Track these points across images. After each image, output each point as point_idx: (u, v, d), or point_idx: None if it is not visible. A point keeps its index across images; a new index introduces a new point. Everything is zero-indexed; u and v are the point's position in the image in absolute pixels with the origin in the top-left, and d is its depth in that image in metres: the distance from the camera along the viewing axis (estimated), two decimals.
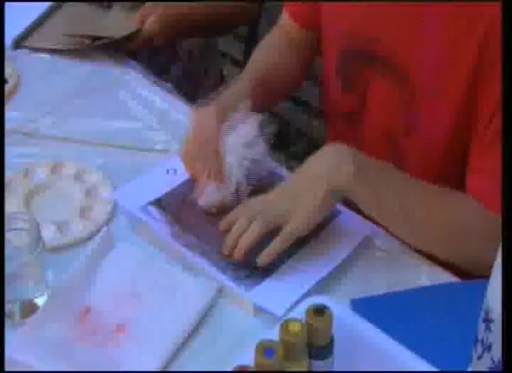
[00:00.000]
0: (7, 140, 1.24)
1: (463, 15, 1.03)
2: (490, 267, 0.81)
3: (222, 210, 1.10)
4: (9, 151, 1.23)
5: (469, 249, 1.03)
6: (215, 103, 1.14)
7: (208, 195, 1.10)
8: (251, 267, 1.04)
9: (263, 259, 1.03)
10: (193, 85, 1.75)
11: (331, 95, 1.30)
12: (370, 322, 0.95)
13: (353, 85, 1.23)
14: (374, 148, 1.08)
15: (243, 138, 1.11)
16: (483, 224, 0.94)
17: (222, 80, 1.89)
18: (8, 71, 1.39)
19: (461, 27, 1.04)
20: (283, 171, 1.21)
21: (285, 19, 1.37)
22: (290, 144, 2.03)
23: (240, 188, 1.11)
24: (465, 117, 1.08)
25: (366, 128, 1.24)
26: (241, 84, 1.23)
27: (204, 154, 1.11)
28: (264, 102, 1.22)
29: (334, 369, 0.90)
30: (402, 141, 1.18)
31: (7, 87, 1.37)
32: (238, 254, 1.04)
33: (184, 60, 1.75)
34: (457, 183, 1.09)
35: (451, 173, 1.13)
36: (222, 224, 1.09)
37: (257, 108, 1.16)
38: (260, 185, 1.13)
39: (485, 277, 0.84)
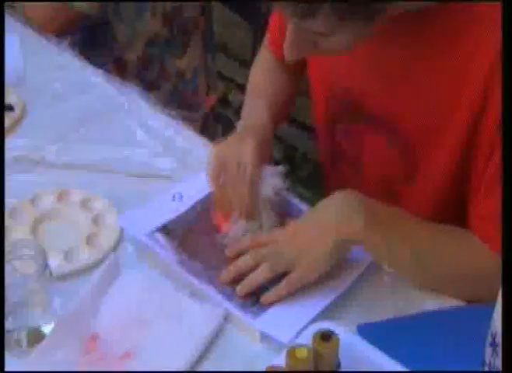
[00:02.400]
0: (14, 168, 1.26)
1: (455, 70, 1.04)
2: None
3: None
4: (16, 178, 1.25)
5: (481, 289, 1.03)
6: (255, 137, 1.15)
7: (231, 227, 1.11)
8: (255, 298, 1.04)
9: (267, 299, 1.04)
10: (180, 104, 1.79)
11: (329, 141, 1.30)
12: (377, 347, 0.96)
13: (348, 135, 1.23)
14: (374, 196, 1.07)
15: (271, 183, 1.13)
16: (494, 266, 0.94)
17: (222, 101, 1.92)
18: (14, 99, 1.40)
19: (453, 81, 1.04)
20: (293, 199, 1.21)
21: (269, 49, 1.39)
22: (296, 168, 2.04)
23: (267, 225, 1.13)
24: (464, 164, 1.08)
25: (365, 176, 1.24)
26: (264, 116, 1.24)
27: (239, 188, 1.12)
28: (278, 124, 1.25)
29: None
30: (402, 190, 1.18)
31: (13, 115, 1.38)
32: (241, 292, 1.04)
33: (173, 79, 1.79)
34: (457, 224, 1.10)
35: (451, 216, 1.12)
36: (230, 251, 1.10)
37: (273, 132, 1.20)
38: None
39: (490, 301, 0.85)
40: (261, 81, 1.37)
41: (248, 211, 1.11)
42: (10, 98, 1.41)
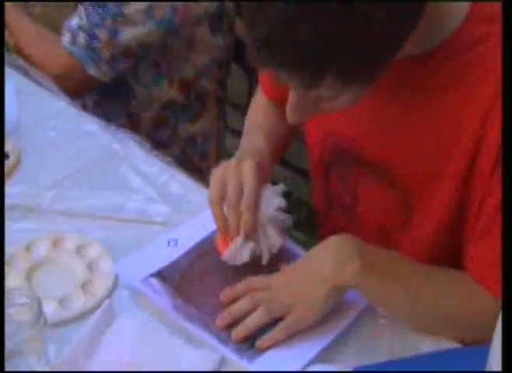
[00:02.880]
0: (8, 215, 1.26)
1: (449, 120, 1.05)
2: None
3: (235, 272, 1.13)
4: (11, 226, 1.24)
5: (477, 332, 1.03)
6: (253, 160, 1.15)
7: (235, 248, 1.11)
8: (250, 342, 1.04)
9: (263, 344, 1.04)
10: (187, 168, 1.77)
11: (323, 187, 1.30)
12: None
13: (343, 182, 1.24)
14: (369, 240, 1.08)
15: (273, 203, 1.13)
16: (490, 308, 0.94)
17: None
18: (9, 147, 1.41)
19: (448, 131, 1.05)
20: (289, 243, 1.22)
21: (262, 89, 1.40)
22: (292, 212, 2.04)
23: (270, 248, 1.13)
24: (458, 210, 1.09)
25: (361, 223, 1.24)
26: (262, 140, 1.26)
27: (238, 206, 1.11)
28: (274, 158, 1.27)
29: None
30: (397, 237, 1.19)
31: (9, 162, 1.38)
32: (237, 337, 1.04)
33: (182, 143, 1.79)
34: (454, 268, 1.10)
35: (448, 261, 1.12)
36: (224, 296, 1.10)
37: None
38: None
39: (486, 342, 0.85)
40: (259, 118, 1.38)
41: (249, 233, 1.10)
42: (5, 146, 1.41)
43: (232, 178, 1.12)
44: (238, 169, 1.13)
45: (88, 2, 1.59)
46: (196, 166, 1.83)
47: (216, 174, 1.15)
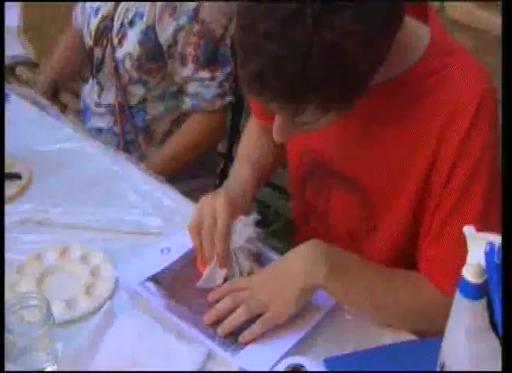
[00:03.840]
0: (21, 229, 1.26)
1: (408, 139, 1.05)
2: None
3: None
4: (23, 237, 1.25)
5: (429, 324, 1.03)
6: (226, 194, 1.14)
7: (210, 273, 1.10)
8: (233, 337, 1.04)
9: (245, 338, 1.03)
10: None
11: (300, 197, 1.30)
12: None
13: (318, 192, 1.23)
14: (339, 246, 1.08)
15: (244, 233, 1.13)
16: (440, 304, 0.92)
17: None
18: (21, 169, 1.40)
19: (407, 149, 1.05)
20: (266, 250, 1.21)
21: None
22: (270, 223, 2.04)
23: (241, 271, 1.12)
24: (415, 218, 1.09)
25: (332, 229, 1.23)
26: (243, 174, 1.24)
27: (213, 240, 1.10)
28: (259, 184, 1.26)
29: None
30: (364, 239, 1.18)
31: (21, 182, 1.38)
32: (221, 333, 1.04)
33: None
34: (412, 269, 1.10)
35: (406, 262, 1.12)
36: (210, 296, 1.10)
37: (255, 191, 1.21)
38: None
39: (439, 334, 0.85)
40: (249, 147, 1.36)
41: (222, 261, 1.10)
42: (18, 167, 1.41)
43: (207, 212, 1.11)
44: (212, 205, 1.12)
45: None
46: (196, 174, 1.79)
47: (197, 207, 1.14)
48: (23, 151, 1.46)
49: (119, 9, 1.60)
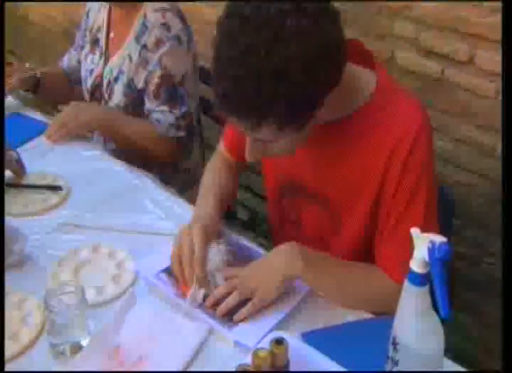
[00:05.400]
0: (61, 230, 1.26)
1: (364, 161, 1.05)
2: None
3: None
4: (62, 237, 1.25)
5: (384, 306, 1.01)
6: (200, 226, 1.10)
7: (193, 294, 1.06)
8: (229, 317, 1.04)
9: (238, 317, 1.03)
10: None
11: (276, 210, 1.28)
12: (315, 348, 0.96)
13: (291, 206, 1.21)
14: (311, 244, 1.08)
15: (217, 258, 1.10)
16: (392, 290, 0.92)
17: None
18: (62, 183, 1.40)
19: (364, 169, 1.05)
20: (254, 246, 1.21)
21: (223, 149, 1.34)
22: (258, 226, 2.04)
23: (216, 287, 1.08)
24: (371, 223, 1.09)
25: (303, 232, 1.22)
26: (209, 206, 1.19)
27: (192, 264, 1.07)
28: (222, 212, 1.22)
29: None
30: (330, 240, 1.17)
31: (62, 193, 1.37)
32: (219, 313, 1.04)
33: (182, 173, 1.72)
34: (370, 262, 1.10)
35: (366, 258, 1.12)
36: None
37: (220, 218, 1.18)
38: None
39: (392, 314, 0.85)
40: (210, 181, 1.29)
41: (201, 282, 1.06)
42: (59, 182, 1.41)
43: (185, 242, 1.08)
44: (189, 234, 1.09)
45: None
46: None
47: (177, 238, 1.11)
48: (64, 169, 1.45)
49: (106, 69, 1.61)
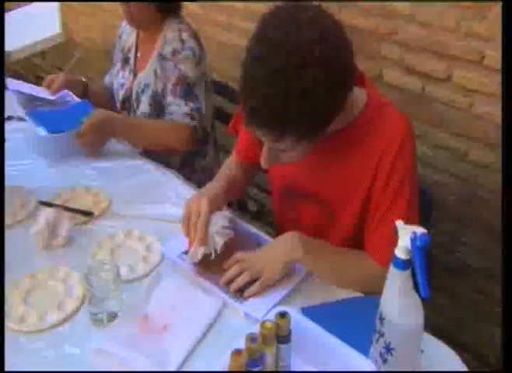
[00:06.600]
0: (102, 218, 1.25)
1: (357, 165, 1.04)
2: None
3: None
4: (104, 223, 1.24)
5: (372, 287, 0.99)
6: (207, 196, 1.10)
7: (193, 252, 1.07)
8: (240, 293, 1.03)
9: (248, 293, 1.03)
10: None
11: (278, 208, 1.27)
12: (314, 321, 0.96)
13: (291, 206, 1.20)
14: (309, 233, 1.07)
15: (219, 223, 1.10)
16: (379, 273, 0.91)
17: None
18: (101, 198, 1.32)
19: (356, 171, 1.04)
20: (262, 234, 1.20)
21: (235, 156, 1.32)
22: (267, 216, 2.03)
23: (216, 248, 1.08)
24: (362, 216, 1.09)
25: (303, 227, 1.19)
26: (219, 185, 1.18)
27: (196, 224, 1.07)
28: (229, 194, 1.20)
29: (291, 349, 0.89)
30: (326, 230, 1.15)
31: (102, 206, 1.29)
32: (232, 289, 1.03)
33: (199, 172, 1.69)
34: (361, 249, 1.09)
35: (358, 245, 1.10)
36: (225, 265, 1.08)
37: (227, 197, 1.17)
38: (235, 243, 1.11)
39: (379, 294, 0.85)
40: (222, 172, 1.29)
41: (202, 240, 1.06)
42: (101, 196, 1.33)
43: (194, 209, 1.08)
44: (198, 203, 1.09)
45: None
46: None
47: (186, 205, 1.10)
48: (103, 165, 1.45)
49: (135, 83, 1.61)
